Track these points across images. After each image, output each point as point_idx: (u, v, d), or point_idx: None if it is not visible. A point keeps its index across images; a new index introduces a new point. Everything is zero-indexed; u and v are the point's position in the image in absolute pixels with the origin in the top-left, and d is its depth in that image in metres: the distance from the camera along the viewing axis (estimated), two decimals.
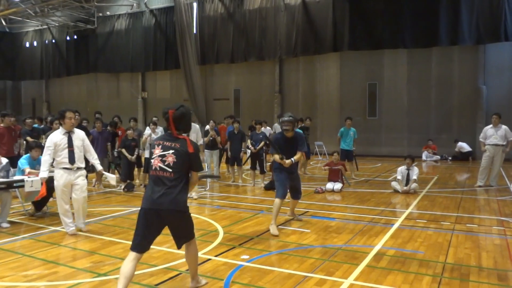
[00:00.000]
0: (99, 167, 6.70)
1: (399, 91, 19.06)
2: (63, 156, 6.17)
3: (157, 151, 3.86)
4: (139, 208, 3.89)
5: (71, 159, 6.21)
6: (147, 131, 10.48)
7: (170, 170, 3.79)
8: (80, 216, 6.46)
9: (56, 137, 6.22)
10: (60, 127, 6.32)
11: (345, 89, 20.15)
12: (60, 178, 6.20)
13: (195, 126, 8.41)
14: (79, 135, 6.40)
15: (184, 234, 4.00)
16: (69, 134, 6.28)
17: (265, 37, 20.73)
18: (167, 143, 3.87)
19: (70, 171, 6.22)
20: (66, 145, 6.19)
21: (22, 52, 30.76)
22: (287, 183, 6.59)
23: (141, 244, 3.83)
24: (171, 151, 3.82)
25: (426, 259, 5.14)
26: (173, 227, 3.95)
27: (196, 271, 4.21)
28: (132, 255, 3.81)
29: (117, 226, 6.85)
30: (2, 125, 9.29)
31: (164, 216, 3.81)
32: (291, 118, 6.42)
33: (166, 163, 3.81)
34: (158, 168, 3.82)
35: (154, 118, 12.25)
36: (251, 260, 5.10)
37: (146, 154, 9.88)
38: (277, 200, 6.46)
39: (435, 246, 5.67)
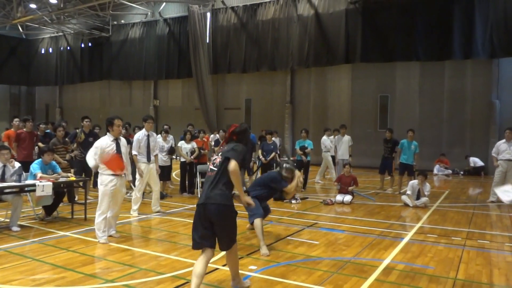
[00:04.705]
0: (129, 177, 6.70)
1: (411, 104, 18.94)
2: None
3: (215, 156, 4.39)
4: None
5: None
6: (159, 139, 10.53)
7: (215, 169, 4.25)
8: (113, 224, 6.54)
9: (104, 142, 6.30)
10: (108, 134, 6.37)
11: (356, 101, 20.09)
12: (110, 182, 6.20)
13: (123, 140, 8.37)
14: (124, 143, 6.52)
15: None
16: (116, 140, 6.38)
17: (277, 47, 20.80)
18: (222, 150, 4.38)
19: (118, 177, 6.28)
20: (115, 151, 6.25)
21: (37, 58, 31.29)
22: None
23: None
24: (219, 154, 4.33)
25: (436, 275, 5.07)
26: (216, 223, 4.21)
27: (237, 273, 4.54)
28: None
29: (125, 233, 6.86)
30: (24, 129, 9.58)
31: (208, 210, 4.13)
32: (292, 167, 6.78)
33: (214, 165, 4.29)
34: (209, 170, 4.35)
35: (166, 126, 12.31)
36: (258, 271, 5.07)
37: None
38: (258, 221, 6.19)
39: (445, 262, 5.59)
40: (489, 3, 16.36)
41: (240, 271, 5.00)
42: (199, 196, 10.41)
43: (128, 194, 10.40)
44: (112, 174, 6.24)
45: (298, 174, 6.67)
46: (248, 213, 6.45)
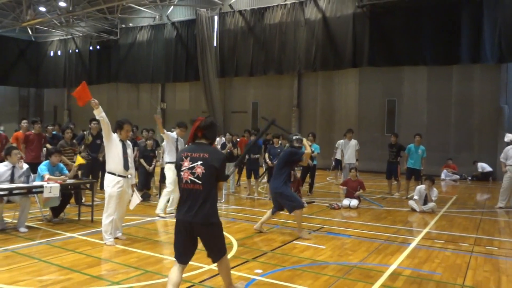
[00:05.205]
0: (133, 180, 6.75)
1: (419, 108, 18.86)
2: (118, 161, 6.28)
3: (186, 164, 3.87)
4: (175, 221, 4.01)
5: (126, 166, 6.34)
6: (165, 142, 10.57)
7: (200, 182, 3.82)
8: (119, 226, 6.57)
9: (116, 138, 6.41)
10: (115, 134, 6.43)
11: (363, 105, 20.04)
12: (116, 184, 6.26)
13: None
14: (129, 145, 6.61)
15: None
16: (123, 142, 6.44)
17: (285, 51, 20.82)
18: (195, 154, 3.88)
19: (124, 179, 6.35)
20: (122, 151, 6.33)
21: (46, 60, 31.57)
22: None
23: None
24: (199, 162, 3.83)
25: (443, 281, 5.03)
26: (204, 239, 3.99)
27: (231, 282, 4.30)
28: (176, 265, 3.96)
29: (131, 235, 6.88)
30: (33, 131, 9.66)
31: (195, 229, 3.87)
32: (301, 137, 7.39)
33: (195, 175, 3.83)
34: (189, 181, 3.84)
35: (173, 129, 12.32)
36: (264, 275, 5.05)
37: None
38: (300, 211, 6.95)
39: (453, 268, 5.54)
40: (497, 7, 16.30)
41: (245, 275, 5.00)
42: None
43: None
44: (119, 175, 6.27)
45: (304, 140, 7.31)
46: (288, 202, 6.95)
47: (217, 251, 4.03)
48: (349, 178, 10.69)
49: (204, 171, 3.79)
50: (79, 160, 8.10)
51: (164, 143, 8.75)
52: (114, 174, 6.28)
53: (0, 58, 29.12)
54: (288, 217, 8.63)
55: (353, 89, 20.40)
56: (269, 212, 7.40)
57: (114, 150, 6.30)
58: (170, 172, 8.55)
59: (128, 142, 6.63)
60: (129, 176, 6.45)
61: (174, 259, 3.99)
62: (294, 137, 7.34)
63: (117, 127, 6.45)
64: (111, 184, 6.27)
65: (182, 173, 3.87)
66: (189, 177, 3.83)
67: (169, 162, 8.56)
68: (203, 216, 3.80)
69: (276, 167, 7.42)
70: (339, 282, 4.88)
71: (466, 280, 5.07)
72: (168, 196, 8.66)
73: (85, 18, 25.54)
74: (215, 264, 4.82)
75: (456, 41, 16.80)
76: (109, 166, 6.34)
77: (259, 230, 7.28)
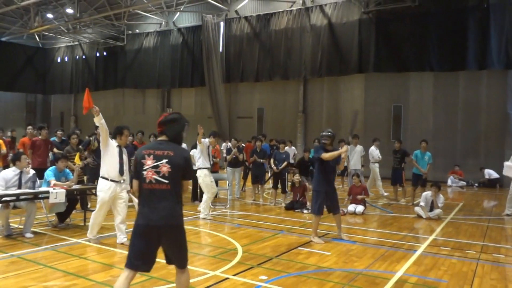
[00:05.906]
0: (128, 187, 6.79)
1: (425, 114, 18.80)
2: (113, 166, 6.37)
3: (149, 162, 3.57)
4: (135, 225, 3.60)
5: (121, 171, 6.43)
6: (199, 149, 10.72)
7: (167, 181, 3.54)
8: (123, 231, 6.60)
9: (113, 143, 6.50)
10: (114, 140, 6.51)
11: (369, 111, 19.99)
12: (108, 189, 6.35)
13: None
14: (126, 151, 6.68)
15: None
16: (120, 148, 6.51)
17: (290, 57, 20.87)
18: (159, 152, 3.60)
19: (117, 183, 6.42)
20: (117, 156, 6.41)
21: (53, 67, 31.85)
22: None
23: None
24: (164, 161, 3.57)
25: None
26: (172, 243, 3.64)
27: None
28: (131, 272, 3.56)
29: None
30: (40, 137, 9.75)
31: (162, 232, 3.52)
32: (329, 133, 7.19)
33: (161, 174, 3.54)
34: (153, 181, 3.54)
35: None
36: (269, 281, 5.03)
37: None
38: (316, 218, 7.21)
39: (459, 275, 5.49)
40: (504, 13, 16.25)
41: (250, 281, 4.99)
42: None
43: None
44: (111, 180, 6.36)
45: (344, 149, 6.98)
46: (311, 204, 7.45)
47: (184, 255, 3.68)
48: (353, 185, 10.66)
49: (170, 170, 3.53)
50: (77, 159, 8.32)
51: (198, 149, 9.08)
52: (107, 179, 6.37)
53: (8, 64, 29.38)
54: (294, 223, 8.62)
55: (359, 95, 20.37)
56: (337, 218, 7.51)
57: (110, 155, 6.38)
58: (206, 177, 8.93)
59: (124, 149, 6.69)
60: (122, 181, 6.51)
61: (126, 268, 3.56)
62: (322, 134, 7.31)
63: (117, 132, 6.51)
64: (103, 189, 6.37)
65: (144, 172, 3.55)
66: (154, 176, 3.53)
67: (203, 168, 8.93)
68: (173, 218, 3.53)
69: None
70: None
71: None
72: (209, 199, 9.07)
73: (92, 25, 25.76)
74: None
75: (462, 47, 16.75)
76: (103, 171, 6.42)
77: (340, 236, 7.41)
